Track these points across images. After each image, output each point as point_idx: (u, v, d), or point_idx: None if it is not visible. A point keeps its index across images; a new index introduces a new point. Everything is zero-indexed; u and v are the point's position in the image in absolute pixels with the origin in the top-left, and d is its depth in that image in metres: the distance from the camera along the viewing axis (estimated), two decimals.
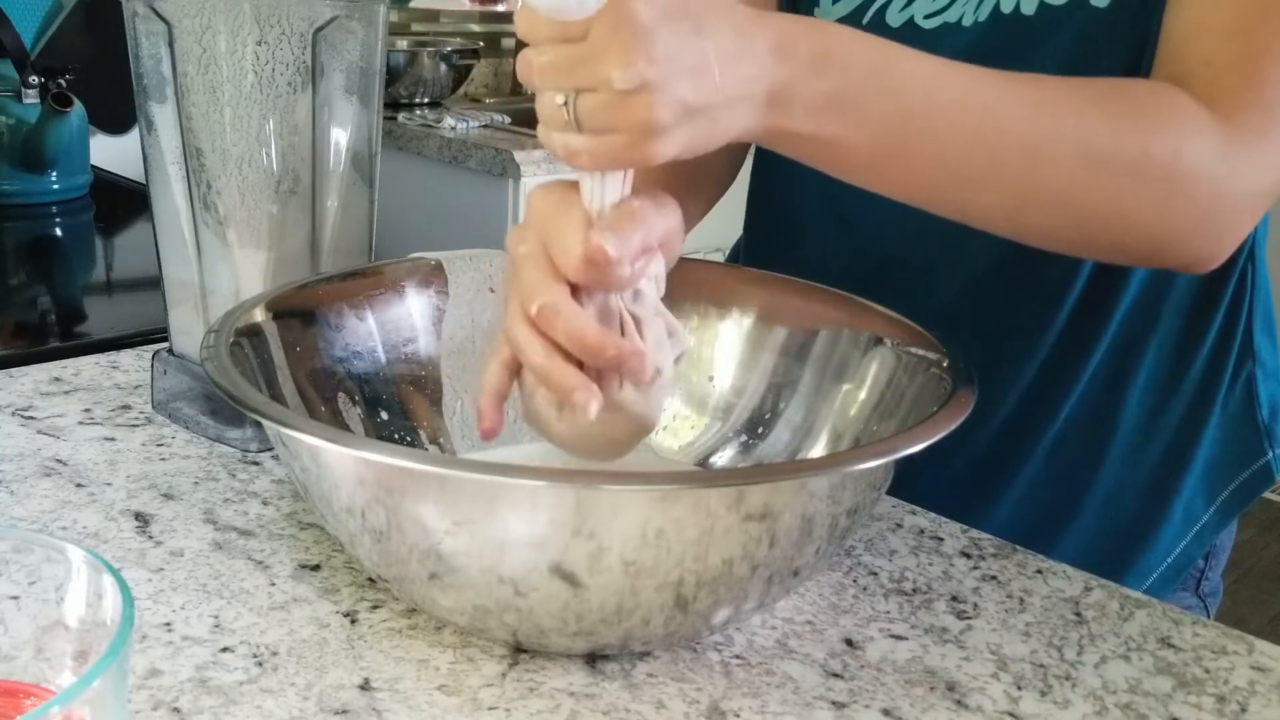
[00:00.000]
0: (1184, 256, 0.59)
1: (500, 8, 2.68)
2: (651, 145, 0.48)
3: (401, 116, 2.09)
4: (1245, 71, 0.57)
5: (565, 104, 0.49)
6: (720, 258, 0.96)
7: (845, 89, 0.52)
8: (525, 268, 0.53)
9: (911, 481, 0.67)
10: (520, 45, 0.51)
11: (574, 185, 0.53)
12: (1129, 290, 0.73)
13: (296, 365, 0.62)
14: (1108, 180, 0.55)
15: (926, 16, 0.72)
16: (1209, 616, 0.82)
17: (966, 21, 0.70)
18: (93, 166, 1.49)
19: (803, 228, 0.83)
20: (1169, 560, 0.78)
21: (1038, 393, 0.75)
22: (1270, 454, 0.77)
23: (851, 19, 0.75)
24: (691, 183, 0.71)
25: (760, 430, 0.67)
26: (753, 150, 0.87)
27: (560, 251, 0.51)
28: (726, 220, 0.92)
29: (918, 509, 0.69)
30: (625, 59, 0.46)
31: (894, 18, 0.74)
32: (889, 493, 0.67)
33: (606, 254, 0.50)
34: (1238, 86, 0.57)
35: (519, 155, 1.83)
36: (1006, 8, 0.69)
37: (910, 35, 0.72)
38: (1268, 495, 2.92)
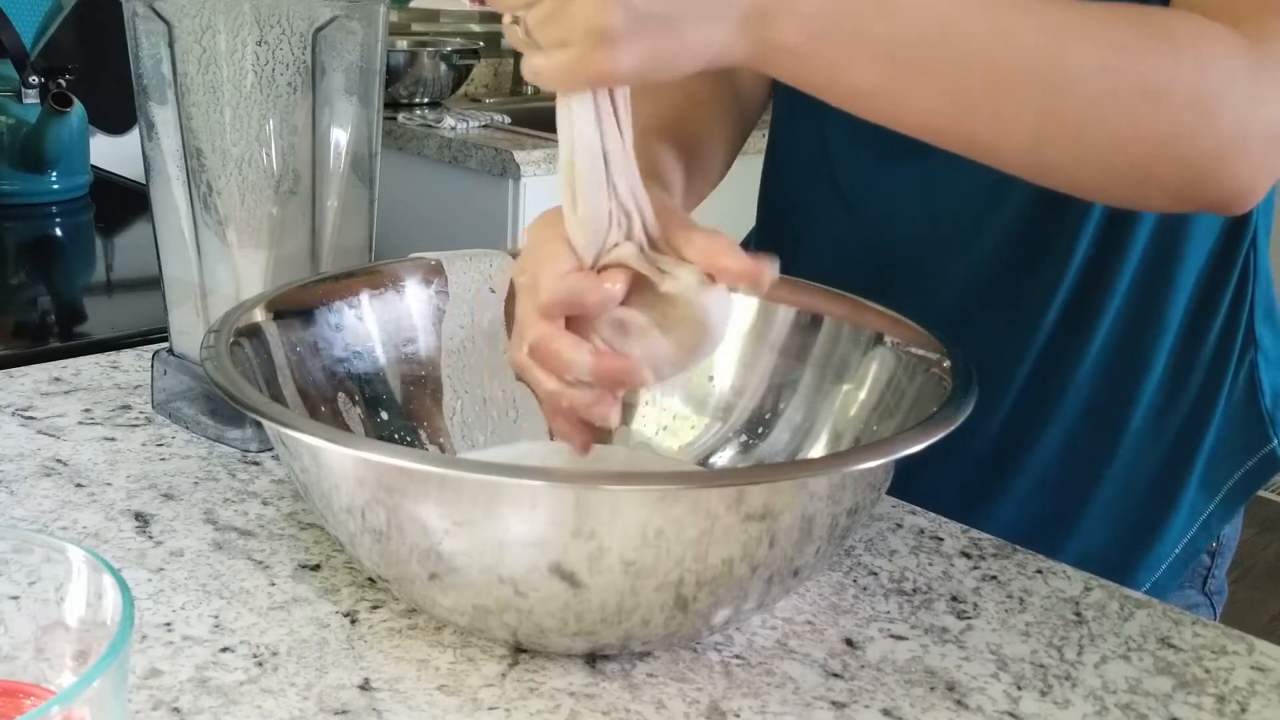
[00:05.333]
0: (1217, 190, 0.55)
1: None
2: (604, 53, 0.46)
3: (401, 116, 2.09)
4: None
5: (517, 21, 0.48)
6: None
7: (843, 4, 0.49)
8: (519, 300, 0.53)
9: (912, 481, 0.67)
10: None
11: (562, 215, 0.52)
12: (1125, 273, 0.73)
13: (296, 365, 0.62)
14: (1131, 106, 0.51)
15: None
16: (1215, 615, 0.82)
17: None
18: (93, 166, 1.49)
19: (812, 219, 0.83)
20: (1177, 551, 0.78)
21: (1039, 380, 0.75)
22: (1275, 441, 0.77)
23: None
24: (694, 153, 0.68)
25: (760, 430, 0.67)
26: (766, 146, 0.87)
27: (541, 288, 0.52)
28: (731, 220, 0.92)
29: (918, 509, 0.69)
30: None
31: None
32: (889, 493, 0.67)
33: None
34: (1261, 9, 0.54)
35: (519, 155, 1.83)
36: None
37: None
38: (1268, 495, 2.92)
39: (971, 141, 0.53)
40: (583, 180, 0.50)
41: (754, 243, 0.92)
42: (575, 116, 0.49)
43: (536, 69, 0.48)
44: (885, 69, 0.50)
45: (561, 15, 0.46)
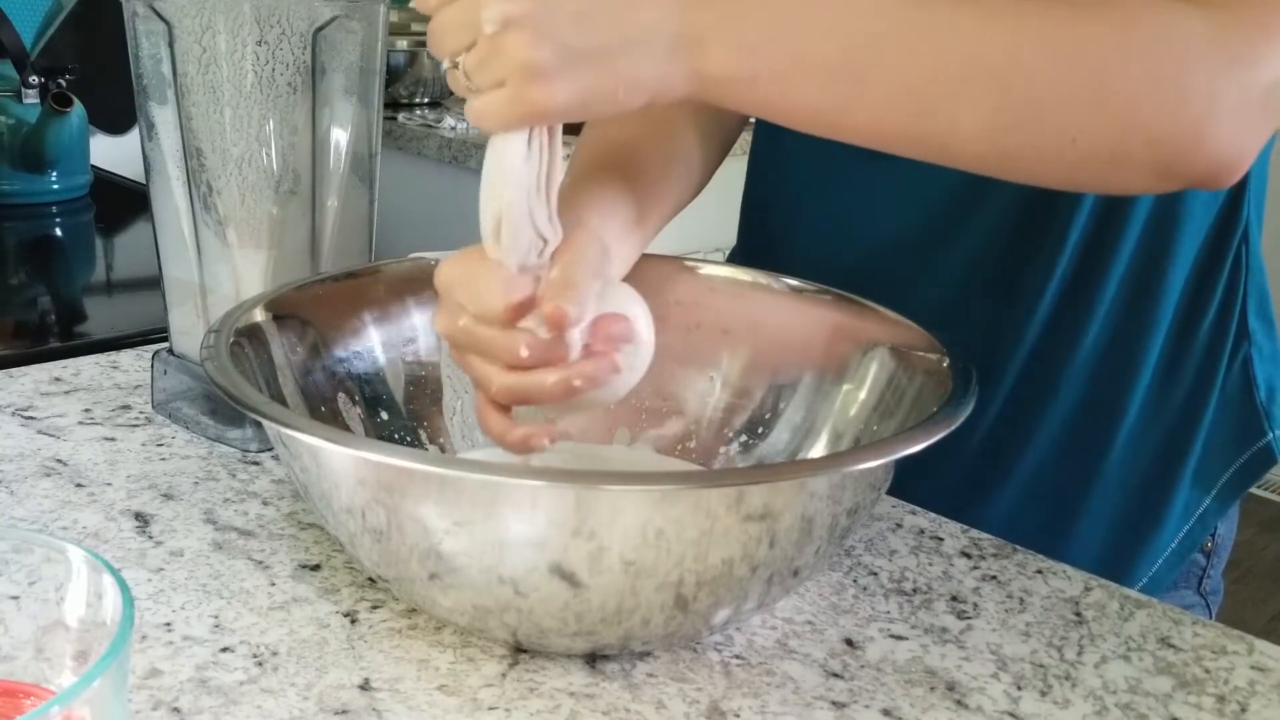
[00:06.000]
0: (1196, 162, 0.51)
1: None
2: (536, 89, 0.47)
3: (401, 116, 2.09)
4: None
5: (456, 66, 0.49)
6: (720, 258, 0.96)
7: (777, 26, 0.49)
8: (478, 337, 0.53)
9: (911, 481, 0.67)
10: None
11: (477, 250, 0.54)
12: (1117, 266, 0.73)
13: (296, 365, 0.62)
14: (1088, 85, 0.49)
15: None
16: (1211, 615, 0.82)
17: None
18: (93, 166, 1.49)
19: (799, 219, 0.83)
20: (1173, 545, 0.78)
21: (1031, 375, 0.75)
22: (1270, 435, 0.77)
23: None
24: (646, 180, 0.67)
25: (760, 430, 0.67)
26: (749, 153, 0.87)
27: (484, 309, 0.52)
28: (726, 220, 0.92)
29: (918, 509, 0.69)
30: None
31: None
32: (889, 493, 0.67)
33: (567, 315, 0.51)
34: None
35: None
36: None
37: None
38: (1268, 495, 2.92)
39: (928, 144, 0.52)
40: (510, 212, 0.52)
41: (739, 248, 0.92)
42: (509, 152, 0.51)
43: (478, 111, 0.49)
44: (830, 84, 0.50)
45: (495, 55, 0.47)
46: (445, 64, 0.50)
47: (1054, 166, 0.52)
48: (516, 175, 0.51)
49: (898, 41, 0.49)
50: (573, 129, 0.59)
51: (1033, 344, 0.75)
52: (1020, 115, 0.50)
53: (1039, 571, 0.62)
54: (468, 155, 1.90)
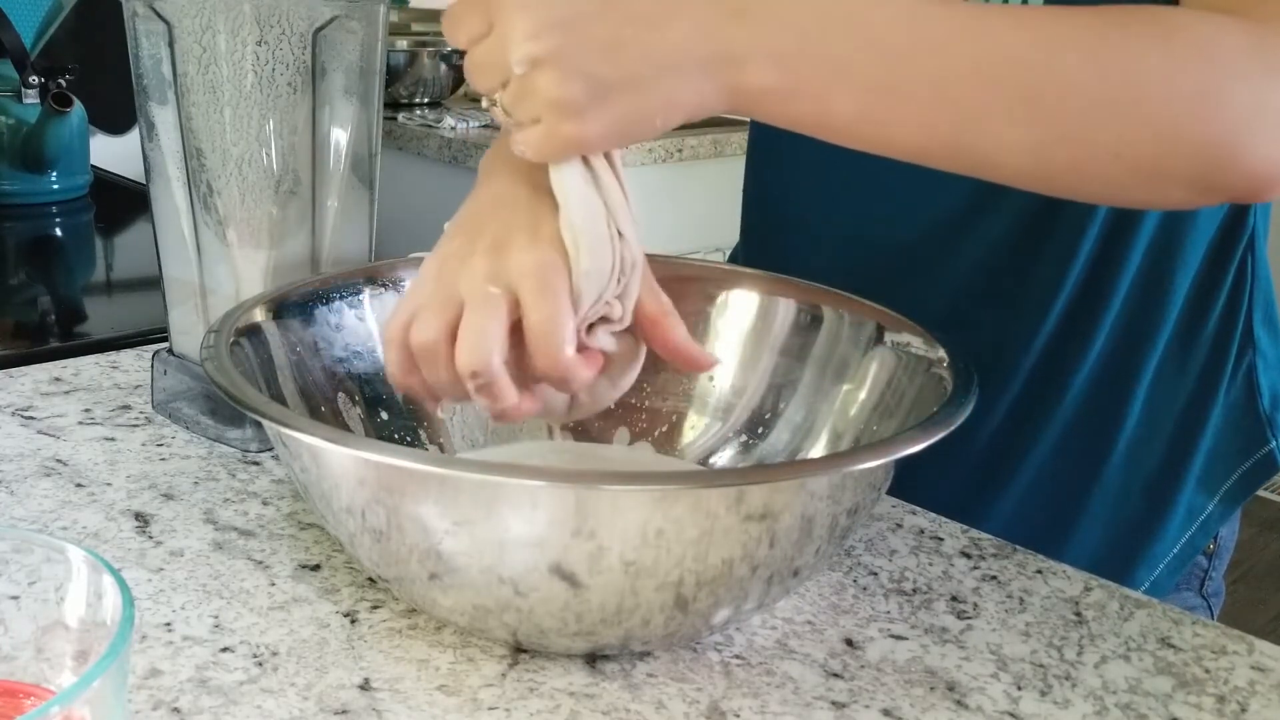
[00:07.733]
0: (1236, 177, 0.51)
1: None
2: (570, 125, 0.47)
3: (401, 116, 2.09)
4: None
5: (495, 104, 0.49)
6: (720, 258, 0.96)
7: (814, 39, 0.48)
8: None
9: (910, 480, 0.67)
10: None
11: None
12: (1127, 274, 0.73)
13: (296, 365, 0.62)
14: (1132, 93, 0.49)
15: None
16: (1212, 617, 0.82)
17: None
18: (93, 166, 1.49)
19: (800, 222, 0.83)
20: (1175, 550, 0.78)
21: (1039, 381, 0.76)
22: (1273, 443, 0.77)
23: None
24: None
25: (760, 430, 0.67)
26: (746, 149, 0.87)
27: (543, 354, 0.51)
28: (726, 220, 0.92)
29: (918, 509, 0.69)
30: (515, 38, 0.46)
31: None
32: (889, 493, 0.67)
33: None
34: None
35: None
36: None
37: None
38: (1268, 495, 2.92)
39: (968, 158, 0.52)
40: (584, 234, 0.50)
41: (741, 250, 0.92)
42: (565, 176, 0.50)
43: (521, 143, 0.49)
44: (870, 98, 0.49)
45: (528, 93, 0.47)
46: (484, 101, 0.50)
47: (1096, 181, 0.52)
48: (581, 196, 0.50)
49: (939, 54, 0.49)
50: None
51: (1040, 352, 0.75)
52: (1063, 130, 0.50)
53: (1039, 571, 0.62)
54: (468, 155, 1.90)
